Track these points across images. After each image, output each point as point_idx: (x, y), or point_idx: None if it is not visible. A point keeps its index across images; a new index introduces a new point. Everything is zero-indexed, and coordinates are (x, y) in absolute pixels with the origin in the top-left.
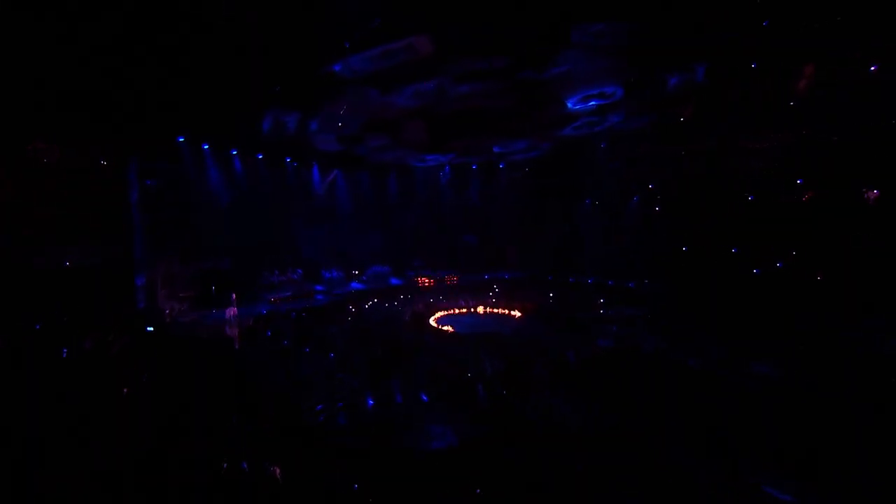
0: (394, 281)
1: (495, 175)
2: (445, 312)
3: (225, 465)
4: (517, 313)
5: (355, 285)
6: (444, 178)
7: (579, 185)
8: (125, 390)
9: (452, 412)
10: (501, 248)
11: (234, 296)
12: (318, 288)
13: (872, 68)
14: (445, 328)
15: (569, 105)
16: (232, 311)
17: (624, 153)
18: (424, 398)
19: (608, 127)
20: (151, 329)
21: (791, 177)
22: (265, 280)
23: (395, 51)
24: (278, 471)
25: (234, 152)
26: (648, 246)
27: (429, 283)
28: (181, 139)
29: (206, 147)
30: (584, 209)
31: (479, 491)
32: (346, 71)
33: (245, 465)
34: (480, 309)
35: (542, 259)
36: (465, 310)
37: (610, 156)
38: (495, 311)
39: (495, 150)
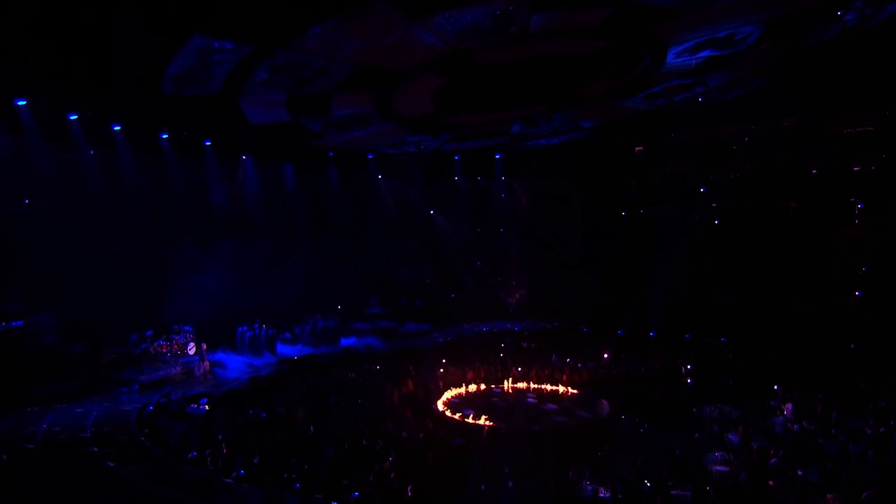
0: (345, 341)
1: (494, 174)
2: (456, 392)
3: None
4: (567, 388)
5: (286, 350)
6: (415, 176)
7: (627, 188)
8: None
9: None
10: (503, 285)
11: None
12: (225, 359)
13: None
14: (474, 419)
15: (669, 56)
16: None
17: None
18: None
19: (695, 95)
20: None
21: None
22: (130, 348)
23: None
24: None
25: (74, 117)
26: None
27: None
28: None
29: (21, 103)
30: (636, 226)
31: None
32: None
33: None
34: (507, 384)
35: (567, 301)
36: (481, 385)
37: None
38: (535, 386)
39: (514, 129)
